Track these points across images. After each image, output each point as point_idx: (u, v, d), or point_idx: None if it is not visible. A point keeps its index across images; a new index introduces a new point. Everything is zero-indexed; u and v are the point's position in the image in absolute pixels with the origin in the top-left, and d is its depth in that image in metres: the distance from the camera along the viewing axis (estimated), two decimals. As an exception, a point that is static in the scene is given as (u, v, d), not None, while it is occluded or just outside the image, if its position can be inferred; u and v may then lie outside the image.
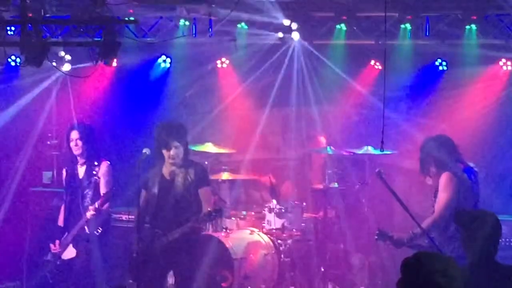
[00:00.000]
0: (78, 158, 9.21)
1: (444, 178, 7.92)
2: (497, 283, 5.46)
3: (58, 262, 9.14)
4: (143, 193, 8.54)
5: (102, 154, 9.31)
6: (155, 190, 8.50)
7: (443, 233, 7.76)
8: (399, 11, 10.20)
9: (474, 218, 5.83)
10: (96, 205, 8.82)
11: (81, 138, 9.10)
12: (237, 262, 9.44)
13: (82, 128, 9.21)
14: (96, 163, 9.07)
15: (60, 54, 10.99)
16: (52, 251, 9.16)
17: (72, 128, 9.22)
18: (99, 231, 9.01)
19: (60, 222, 9.34)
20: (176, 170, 8.48)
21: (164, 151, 8.44)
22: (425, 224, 7.71)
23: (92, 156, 9.15)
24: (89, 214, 8.87)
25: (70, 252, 9.11)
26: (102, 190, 9.03)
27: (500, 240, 5.81)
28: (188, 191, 8.42)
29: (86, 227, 8.97)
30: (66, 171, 9.36)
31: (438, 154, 8.00)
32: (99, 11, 7.38)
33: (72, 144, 9.15)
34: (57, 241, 9.15)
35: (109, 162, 9.18)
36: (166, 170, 8.53)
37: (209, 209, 8.24)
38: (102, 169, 9.09)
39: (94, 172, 9.02)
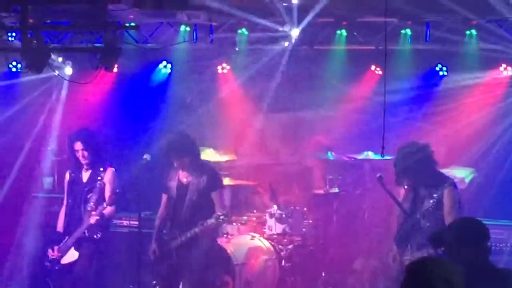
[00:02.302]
0: (84, 164, 9.17)
1: (448, 195, 7.74)
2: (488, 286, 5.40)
3: (56, 267, 9.08)
4: (164, 196, 8.98)
5: (107, 160, 9.27)
6: (173, 194, 8.93)
7: None
8: (399, 17, 10.22)
9: (454, 235, 5.56)
10: (103, 206, 8.83)
11: (85, 149, 9.03)
12: (238, 268, 9.44)
13: (85, 137, 9.08)
14: (101, 169, 9.07)
15: (60, 60, 11.01)
16: (51, 257, 9.08)
17: (75, 139, 9.08)
18: (99, 235, 8.99)
19: (60, 227, 9.25)
20: (190, 175, 8.86)
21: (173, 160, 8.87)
22: None
23: (97, 162, 9.12)
24: (94, 219, 8.85)
25: (70, 256, 9.04)
26: (107, 195, 8.98)
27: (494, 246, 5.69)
28: (201, 195, 8.81)
29: (86, 231, 8.95)
30: (70, 174, 9.29)
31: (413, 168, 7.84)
32: (99, 17, 7.40)
33: (78, 154, 9.07)
34: (56, 247, 9.06)
35: (114, 169, 9.14)
36: (182, 175, 8.92)
37: (218, 213, 8.64)
38: (108, 175, 9.07)
39: (99, 178, 9.02)
